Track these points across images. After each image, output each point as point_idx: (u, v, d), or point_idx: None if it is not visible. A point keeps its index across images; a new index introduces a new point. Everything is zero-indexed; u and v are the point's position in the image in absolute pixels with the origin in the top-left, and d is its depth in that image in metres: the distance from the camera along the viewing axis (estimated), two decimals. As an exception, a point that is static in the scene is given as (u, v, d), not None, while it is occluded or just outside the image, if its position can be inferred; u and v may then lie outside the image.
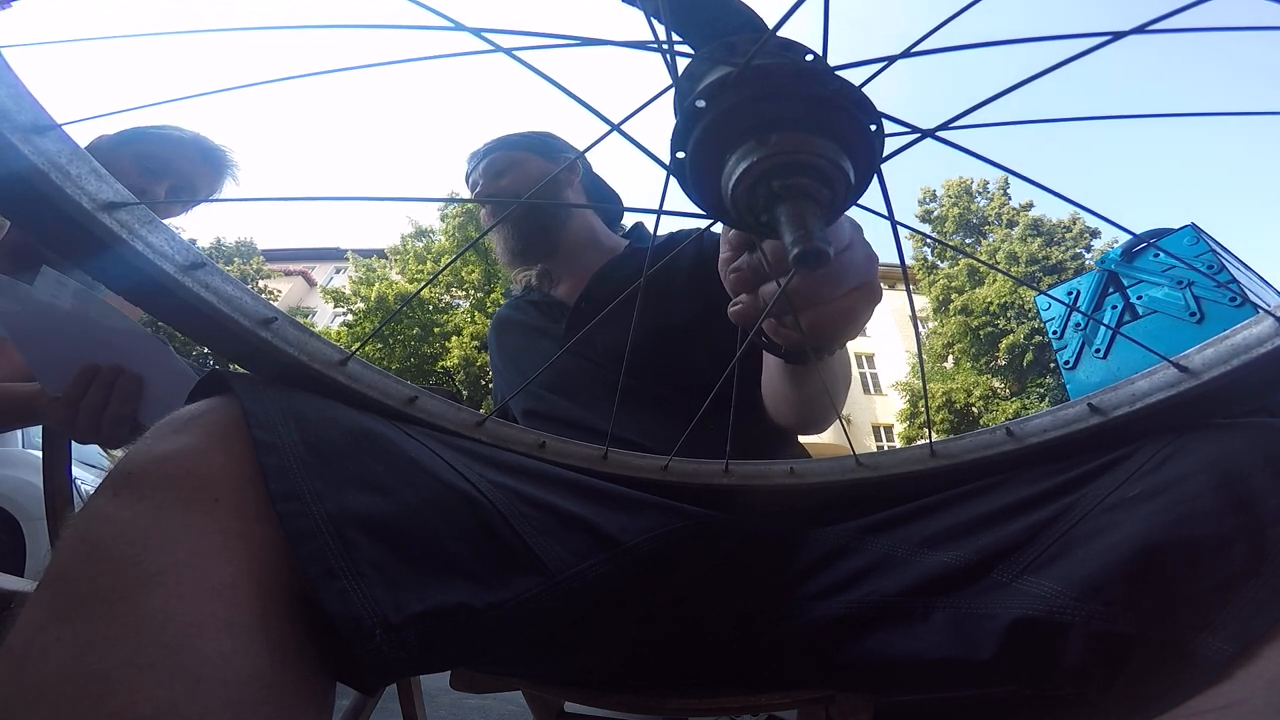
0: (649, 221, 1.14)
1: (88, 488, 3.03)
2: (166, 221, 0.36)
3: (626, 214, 1.12)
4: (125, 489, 0.30)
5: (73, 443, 0.96)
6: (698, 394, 0.57)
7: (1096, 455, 0.41)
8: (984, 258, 14.51)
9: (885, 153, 0.31)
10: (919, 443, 0.50)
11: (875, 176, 0.32)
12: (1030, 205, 15.48)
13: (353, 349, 0.43)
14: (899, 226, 0.38)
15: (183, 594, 0.27)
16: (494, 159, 1.00)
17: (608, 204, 1.07)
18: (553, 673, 0.53)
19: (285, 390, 0.37)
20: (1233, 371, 0.37)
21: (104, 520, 0.29)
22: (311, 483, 0.31)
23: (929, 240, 14.52)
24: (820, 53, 0.30)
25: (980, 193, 16.17)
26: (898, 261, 0.41)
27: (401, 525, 0.34)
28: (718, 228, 0.42)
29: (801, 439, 0.88)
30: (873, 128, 0.30)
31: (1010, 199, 15.73)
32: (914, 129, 0.31)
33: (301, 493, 0.31)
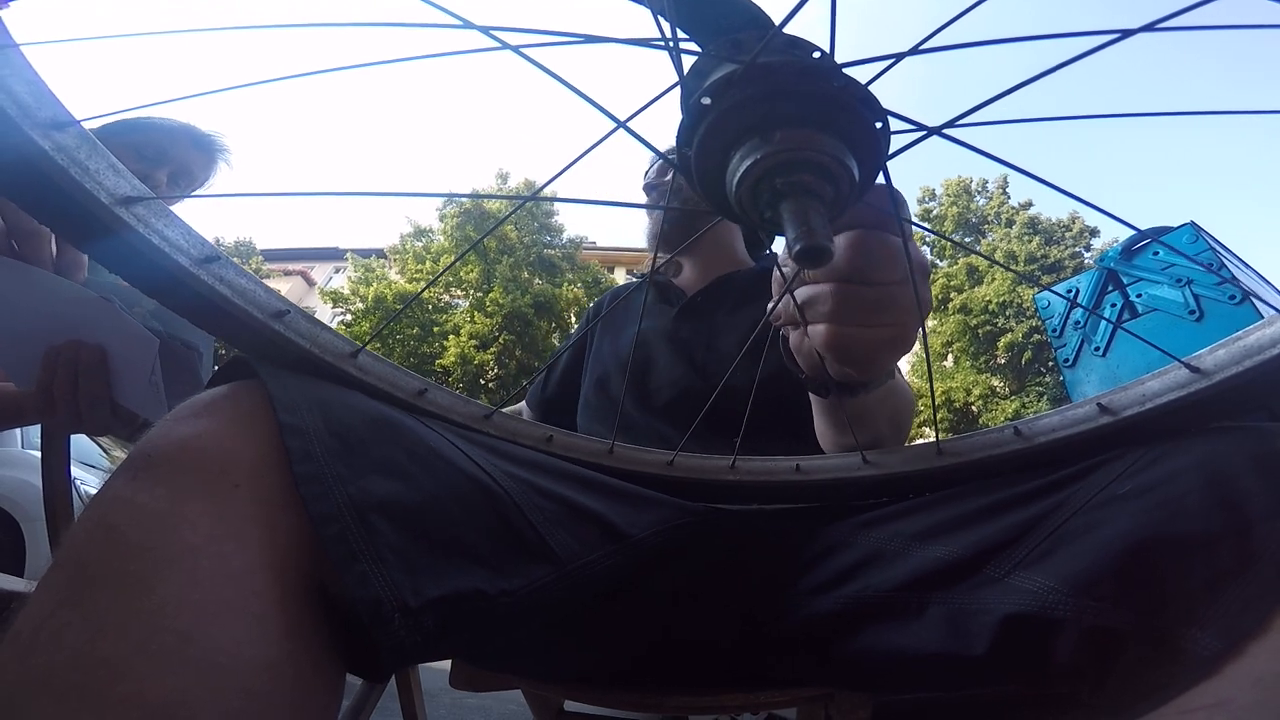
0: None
1: (88, 488, 3.04)
2: None
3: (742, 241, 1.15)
4: (144, 472, 0.30)
5: (71, 443, 0.95)
6: (771, 422, 0.56)
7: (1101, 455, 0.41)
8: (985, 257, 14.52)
9: (891, 150, 0.31)
10: (926, 440, 0.50)
11: (881, 174, 0.32)
12: (1029, 204, 15.46)
13: (363, 344, 0.43)
14: (905, 224, 0.38)
15: (197, 580, 0.27)
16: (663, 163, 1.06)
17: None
18: (556, 669, 0.53)
19: (306, 378, 0.37)
20: (1245, 372, 0.37)
21: (121, 504, 0.29)
22: (334, 467, 0.32)
23: (930, 238, 14.51)
24: (827, 50, 0.30)
25: (979, 191, 16.16)
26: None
27: (421, 511, 0.34)
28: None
29: None
30: (878, 125, 0.30)
31: (1009, 198, 15.73)
32: (920, 127, 0.31)
33: (325, 476, 0.31)
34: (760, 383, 0.57)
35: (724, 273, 1.00)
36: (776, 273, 0.45)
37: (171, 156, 1.05)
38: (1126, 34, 0.26)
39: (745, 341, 0.87)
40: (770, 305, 0.46)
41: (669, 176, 1.03)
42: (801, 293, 0.42)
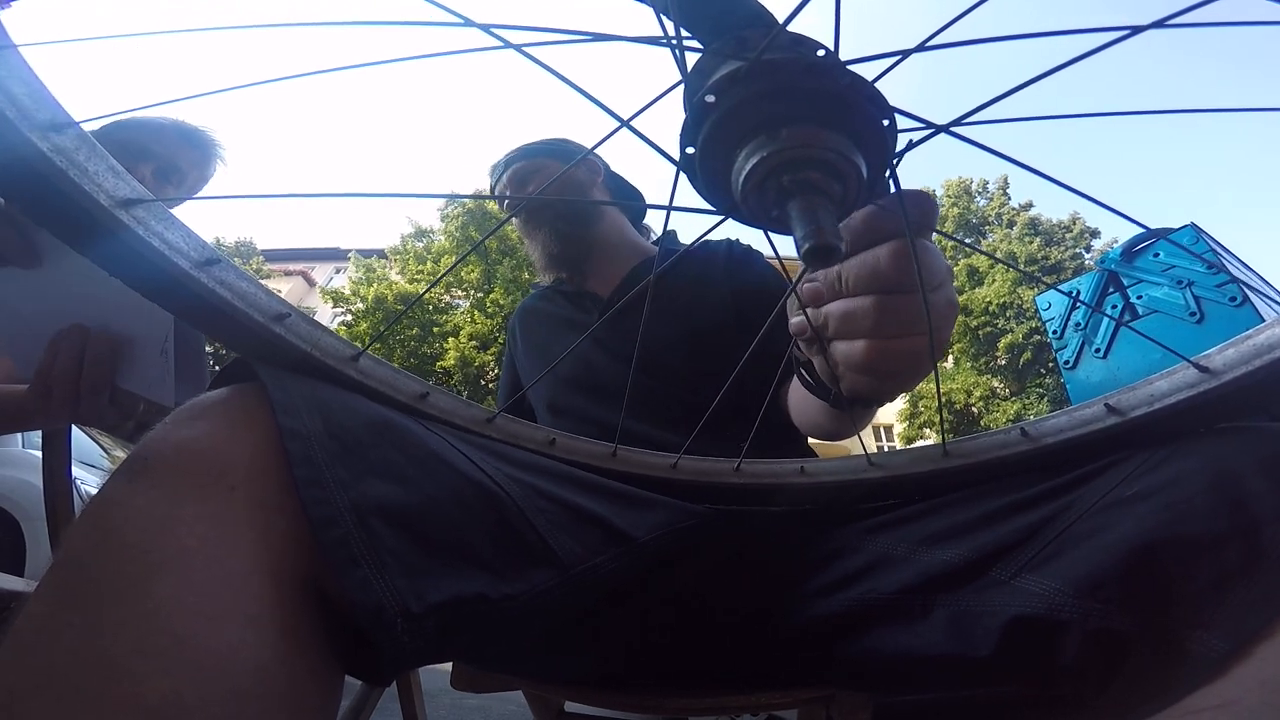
0: (686, 224, 1.17)
1: (88, 488, 3.04)
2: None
3: (657, 218, 1.14)
4: (141, 475, 0.30)
5: (72, 443, 0.94)
6: (724, 404, 0.56)
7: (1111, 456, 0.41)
8: (985, 259, 14.52)
9: (899, 148, 0.31)
10: (931, 442, 0.50)
11: (888, 172, 0.32)
12: (1030, 205, 15.48)
13: (364, 347, 0.43)
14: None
15: (193, 583, 0.26)
16: (517, 169, 1.02)
17: (632, 201, 1.09)
18: (557, 671, 0.53)
19: (307, 380, 0.37)
20: (1255, 372, 0.36)
21: (117, 507, 0.29)
22: (335, 471, 0.31)
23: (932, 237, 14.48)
24: (832, 48, 0.30)
25: (980, 193, 16.17)
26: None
27: (421, 515, 0.34)
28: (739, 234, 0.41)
29: (813, 449, 0.89)
30: (885, 123, 0.30)
31: (1010, 199, 15.74)
32: (928, 124, 0.31)
33: (325, 480, 0.31)
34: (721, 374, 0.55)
35: (632, 265, 0.99)
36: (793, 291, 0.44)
37: (155, 153, 1.02)
38: (1136, 30, 0.26)
39: (682, 324, 0.85)
40: (794, 320, 0.44)
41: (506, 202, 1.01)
42: (835, 309, 0.39)
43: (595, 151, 1.07)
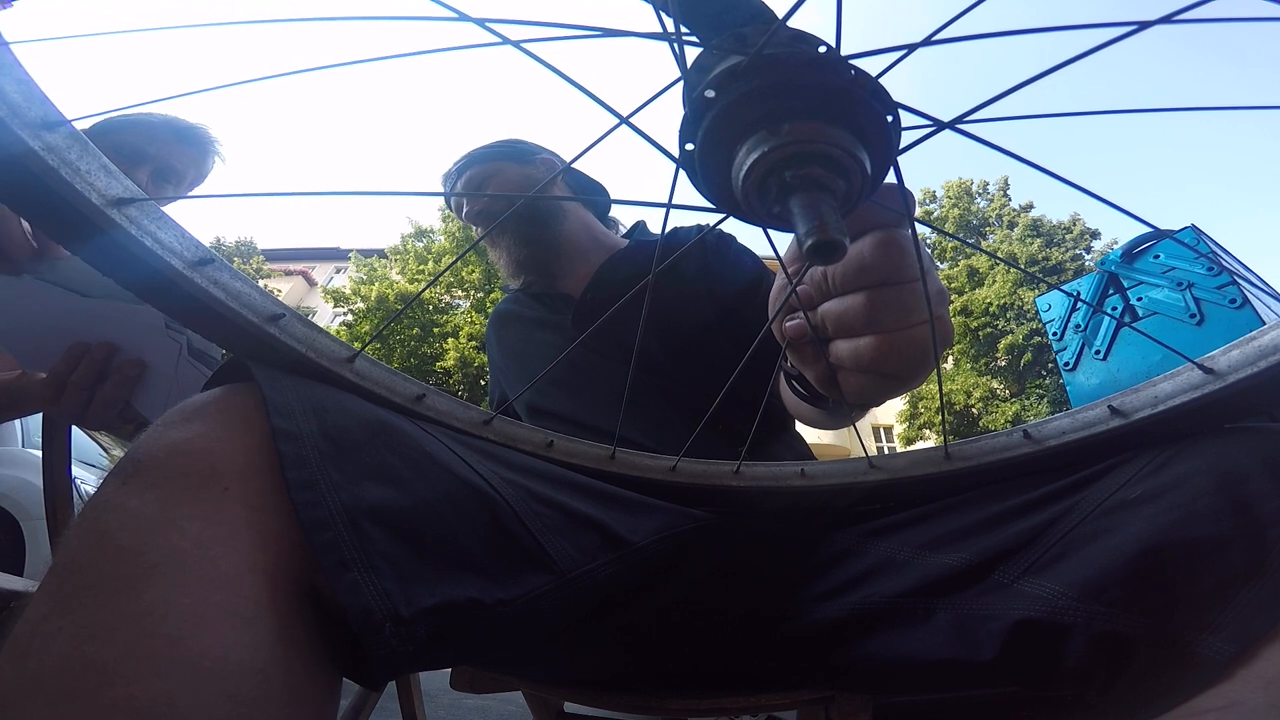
0: (657, 215, 1.14)
1: (88, 488, 3.03)
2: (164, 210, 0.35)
3: (630, 210, 1.12)
4: (134, 477, 0.29)
5: (72, 443, 0.95)
6: (703, 395, 0.56)
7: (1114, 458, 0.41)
8: (985, 261, 14.52)
9: (902, 144, 0.30)
10: (932, 444, 0.49)
11: (892, 169, 0.31)
12: (1030, 206, 15.48)
13: (361, 348, 0.43)
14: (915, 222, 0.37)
15: (186, 584, 0.26)
16: (470, 175, 1.00)
17: (595, 197, 1.06)
18: (555, 672, 0.53)
19: (303, 380, 0.36)
20: (1260, 373, 0.36)
21: (111, 509, 0.28)
22: (328, 473, 0.31)
23: (932, 238, 14.48)
24: (833, 44, 0.30)
25: (980, 194, 16.17)
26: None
27: (415, 518, 0.33)
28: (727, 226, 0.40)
29: (803, 437, 0.88)
30: (889, 119, 0.29)
31: (1010, 200, 15.74)
32: (932, 120, 0.31)
33: (317, 482, 0.31)
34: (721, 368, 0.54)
35: (600, 260, 0.96)
36: (776, 290, 0.43)
37: (150, 155, 1.00)
38: (1143, 26, 0.26)
39: (659, 318, 0.82)
40: (784, 321, 0.43)
41: (464, 213, 0.99)
42: (829, 309, 0.38)
43: (551, 150, 1.04)
